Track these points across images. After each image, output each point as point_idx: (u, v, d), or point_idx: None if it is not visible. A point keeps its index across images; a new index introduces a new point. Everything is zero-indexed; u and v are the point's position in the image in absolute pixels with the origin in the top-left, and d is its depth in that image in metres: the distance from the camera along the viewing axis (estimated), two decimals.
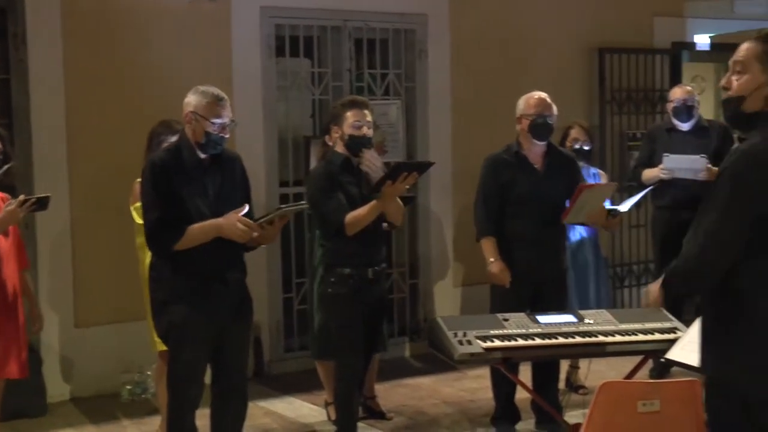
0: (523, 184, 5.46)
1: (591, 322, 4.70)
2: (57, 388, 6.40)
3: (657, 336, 4.55)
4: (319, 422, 6.04)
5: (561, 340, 4.54)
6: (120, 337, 6.46)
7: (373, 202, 5.01)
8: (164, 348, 4.83)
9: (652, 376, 6.34)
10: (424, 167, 5.25)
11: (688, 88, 6.81)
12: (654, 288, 3.33)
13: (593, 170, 6.47)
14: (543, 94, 5.52)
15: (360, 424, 5.51)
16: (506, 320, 4.69)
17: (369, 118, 5.20)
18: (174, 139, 4.89)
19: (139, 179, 5.25)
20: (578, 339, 4.55)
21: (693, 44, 9.00)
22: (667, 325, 4.69)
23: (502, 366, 4.77)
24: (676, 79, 8.56)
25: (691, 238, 3.01)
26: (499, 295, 5.47)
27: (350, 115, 5.15)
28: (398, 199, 5.12)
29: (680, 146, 6.46)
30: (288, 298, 7.21)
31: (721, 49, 8.83)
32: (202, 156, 4.40)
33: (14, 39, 6.29)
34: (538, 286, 5.45)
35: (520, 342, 4.51)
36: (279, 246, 7.07)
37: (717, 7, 8.99)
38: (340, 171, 5.16)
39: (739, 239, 2.91)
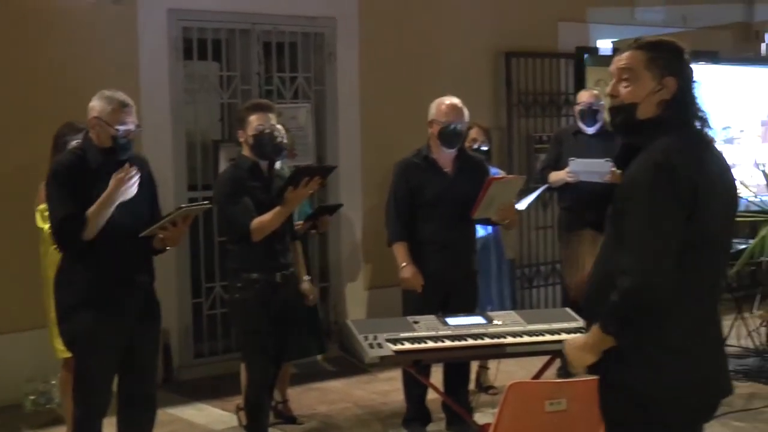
0: (433, 188, 5.50)
1: (499, 323, 4.77)
2: None
3: (564, 336, 4.61)
4: (229, 428, 5.99)
5: (470, 341, 4.60)
6: (22, 345, 6.30)
7: (278, 208, 5.01)
8: (68, 356, 4.77)
9: (559, 375, 6.44)
10: (326, 171, 5.27)
11: (595, 92, 6.94)
12: (574, 345, 3.16)
13: (494, 170, 6.55)
14: (455, 101, 5.57)
15: (271, 429, 5.50)
16: (416, 323, 4.73)
17: (273, 120, 5.21)
18: (79, 138, 4.81)
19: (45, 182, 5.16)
20: (487, 340, 4.62)
21: (596, 49, 9.18)
22: (573, 325, 4.78)
23: (413, 368, 4.81)
24: (580, 83, 8.70)
25: (621, 264, 2.95)
26: (410, 298, 5.51)
27: (254, 119, 5.15)
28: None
29: (586, 149, 6.59)
30: (197, 303, 7.14)
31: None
32: (108, 159, 4.34)
33: None
34: (448, 289, 5.50)
35: (430, 344, 4.56)
36: (188, 250, 7.01)
37: (618, 14, 9.20)
38: (247, 176, 5.15)
39: (676, 242, 2.91)
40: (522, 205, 6.61)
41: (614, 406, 3.10)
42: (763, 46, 9.91)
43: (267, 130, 5.14)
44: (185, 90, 7.11)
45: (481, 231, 6.32)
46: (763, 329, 7.21)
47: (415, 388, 5.57)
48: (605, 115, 6.97)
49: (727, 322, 5.81)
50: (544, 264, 8.67)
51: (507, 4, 8.42)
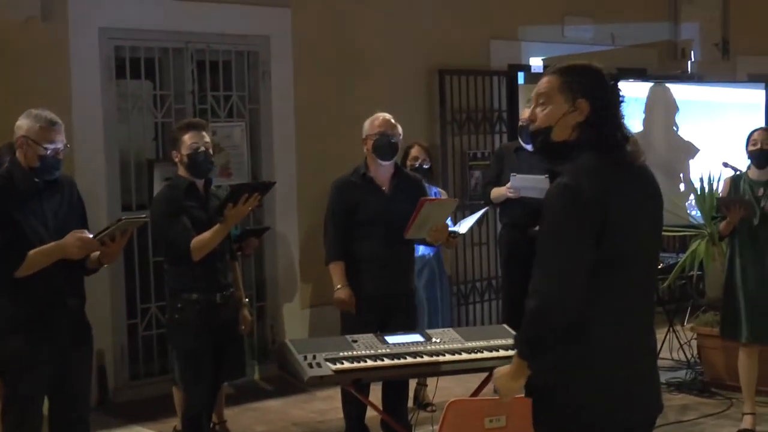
0: (370, 206, 5.51)
1: (438, 341, 4.78)
2: None
3: (502, 353, 4.66)
4: None
5: (409, 359, 4.60)
6: None
7: (217, 226, 4.98)
8: None
9: (497, 392, 6.48)
10: (266, 188, 5.25)
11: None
12: (501, 373, 3.18)
13: (434, 189, 6.60)
14: (387, 115, 5.61)
15: None
16: (355, 341, 4.72)
17: (207, 139, 5.19)
18: None
19: None
20: (426, 358, 4.62)
21: (528, 66, 9.31)
22: (511, 341, 4.81)
23: (352, 387, 4.81)
24: (513, 100, 8.83)
25: (531, 286, 3.00)
26: (348, 318, 5.50)
27: (187, 138, 5.12)
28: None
29: (527, 165, 6.64)
30: (132, 323, 7.06)
31: None
32: (36, 180, 4.29)
33: None
34: (387, 307, 5.50)
35: (370, 363, 4.54)
36: (122, 270, 6.92)
37: (548, 32, 9.32)
38: (184, 195, 5.12)
39: (585, 263, 2.95)
40: (463, 227, 6.66)
41: (543, 424, 3.14)
42: (689, 63, 10.12)
43: (201, 149, 5.11)
44: (118, 109, 7.04)
45: (421, 249, 6.36)
46: (694, 342, 7.34)
47: (353, 406, 5.56)
48: None
49: (659, 335, 5.90)
50: (480, 280, 8.73)
51: (440, 22, 8.49)
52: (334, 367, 4.45)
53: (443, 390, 5.65)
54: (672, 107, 8.90)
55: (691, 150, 8.56)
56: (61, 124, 4.34)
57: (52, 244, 4.22)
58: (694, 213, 7.59)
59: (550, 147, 3.13)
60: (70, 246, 4.20)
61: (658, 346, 3.51)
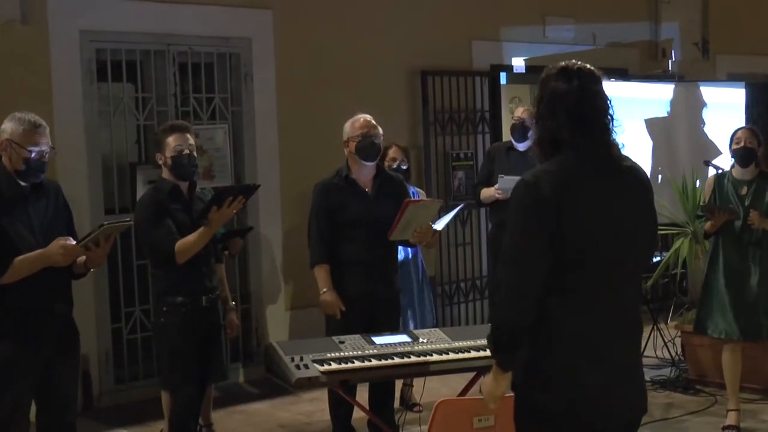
0: (353, 208, 5.50)
1: (425, 341, 4.78)
2: None
3: (488, 353, 4.65)
4: None
5: (397, 360, 4.59)
6: None
7: (202, 229, 4.98)
8: None
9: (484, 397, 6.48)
10: (250, 191, 5.24)
11: (528, 108, 7.05)
12: (487, 380, 3.27)
13: (412, 189, 6.59)
14: (368, 117, 5.60)
15: None
16: (342, 342, 4.71)
17: (191, 141, 5.18)
18: None
19: None
20: (414, 359, 4.61)
21: (510, 67, 9.33)
22: None
23: (340, 388, 4.80)
24: (495, 101, 8.85)
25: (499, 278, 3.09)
26: (333, 320, 5.49)
27: (172, 140, 5.11)
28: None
29: (517, 165, 6.66)
30: (117, 327, 7.02)
31: (536, 71, 9.16)
32: (23, 184, 4.26)
33: None
34: (371, 309, 5.50)
35: (357, 364, 4.53)
36: (106, 274, 6.89)
37: (530, 32, 9.35)
38: (168, 198, 5.10)
39: (537, 265, 3.00)
40: (439, 225, 6.65)
41: (520, 422, 3.19)
42: (669, 63, 10.17)
43: (186, 151, 5.10)
44: (100, 112, 7.01)
45: (401, 252, 6.34)
46: (678, 339, 7.37)
47: (340, 407, 5.56)
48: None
49: (643, 333, 5.92)
50: (464, 281, 8.74)
51: (422, 23, 8.50)
52: (321, 368, 4.43)
53: (430, 390, 5.65)
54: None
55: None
56: (45, 126, 4.32)
57: (37, 252, 4.19)
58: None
59: (539, 147, 3.21)
60: (54, 254, 4.18)
61: (642, 345, 3.53)
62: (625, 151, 3.21)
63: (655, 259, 7.35)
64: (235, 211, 5.00)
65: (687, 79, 9.75)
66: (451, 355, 4.67)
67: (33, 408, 4.42)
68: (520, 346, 3.04)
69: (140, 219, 5.13)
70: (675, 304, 8.15)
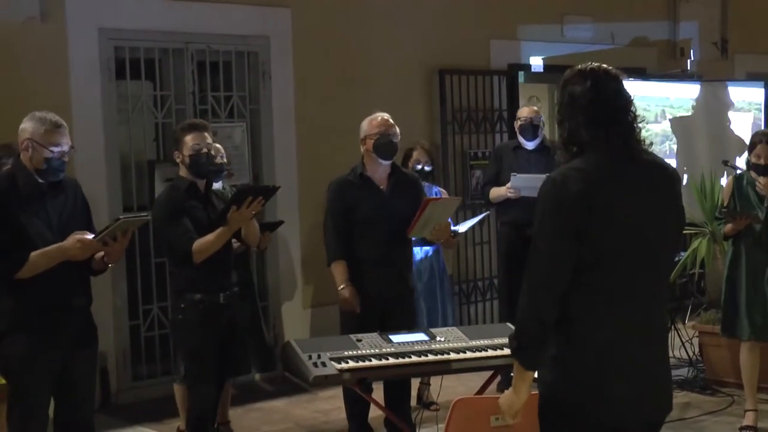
0: (369, 205, 5.50)
1: (442, 339, 4.77)
2: None
3: (506, 351, 4.64)
4: None
5: (414, 358, 4.59)
6: None
7: (221, 229, 4.98)
8: None
9: (501, 391, 6.47)
10: (270, 192, 5.23)
11: (535, 107, 7.04)
12: (508, 394, 3.24)
13: (436, 189, 6.60)
14: (385, 115, 5.60)
15: None
16: (359, 341, 4.71)
17: (209, 139, 5.18)
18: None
19: None
20: (431, 357, 4.61)
21: (528, 66, 9.31)
22: None
23: (357, 386, 4.80)
24: (513, 100, 8.83)
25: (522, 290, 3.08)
26: (348, 317, 5.49)
27: (189, 139, 5.12)
28: (255, 221, 5.11)
29: (525, 165, 6.65)
30: (135, 324, 7.05)
31: (554, 70, 9.17)
32: (41, 181, 4.28)
33: None
34: (387, 307, 5.50)
35: (374, 362, 4.53)
36: (124, 271, 6.92)
37: (548, 31, 9.33)
38: (185, 196, 5.12)
39: (563, 266, 3.00)
40: (462, 227, 6.66)
41: (545, 421, 3.19)
42: (688, 62, 10.13)
43: (204, 150, 5.11)
44: (118, 110, 7.03)
45: (420, 250, 6.34)
46: (696, 340, 7.34)
47: (357, 406, 5.56)
48: (545, 131, 7.09)
49: None
50: (482, 279, 8.73)
51: (440, 22, 8.49)
52: (339, 366, 4.43)
53: (446, 389, 5.64)
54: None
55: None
56: (65, 126, 4.34)
57: (54, 246, 4.21)
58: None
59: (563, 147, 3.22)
60: (71, 248, 4.20)
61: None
62: (651, 149, 3.20)
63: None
64: (254, 212, 5.01)
65: (706, 78, 9.70)
66: (469, 354, 4.67)
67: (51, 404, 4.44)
68: (543, 344, 3.04)
69: (158, 217, 5.14)
70: (693, 304, 8.11)
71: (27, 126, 4.30)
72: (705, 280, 9.02)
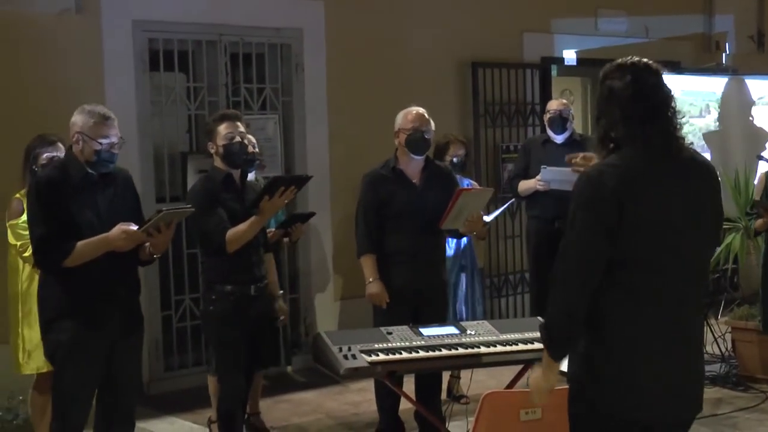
0: (401, 199, 5.50)
1: (473, 333, 4.77)
2: None
3: (537, 345, 4.62)
4: None
5: (444, 352, 4.58)
6: None
7: (253, 218, 5.00)
8: (34, 372, 4.82)
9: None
10: (302, 181, 5.25)
11: (564, 101, 7.03)
12: (535, 374, 3.25)
13: (467, 181, 6.59)
14: (421, 110, 5.59)
15: None
16: (390, 333, 4.71)
17: (242, 129, 5.20)
18: (50, 151, 5.07)
19: (17, 195, 5.14)
20: (461, 350, 4.60)
21: (561, 59, 9.27)
22: None
23: (387, 379, 4.80)
24: (546, 93, 8.80)
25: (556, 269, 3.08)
26: (380, 310, 5.50)
27: (222, 129, 5.14)
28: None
29: (554, 158, 6.62)
30: (167, 315, 7.09)
31: (587, 63, 9.14)
32: (91, 172, 4.33)
33: None
34: (418, 300, 5.49)
35: (404, 355, 4.53)
36: (156, 262, 6.92)
37: (582, 24, 9.29)
38: (220, 187, 5.14)
39: (595, 262, 2.99)
40: (489, 217, 6.64)
41: (575, 416, 3.18)
42: (723, 56, 10.03)
43: (237, 139, 5.13)
44: (152, 102, 7.08)
45: (451, 244, 6.32)
46: (728, 335, 7.29)
47: (387, 398, 5.57)
48: (575, 124, 7.06)
49: None
50: (513, 273, 8.71)
51: (473, 15, 8.47)
52: (369, 359, 4.44)
53: (477, 382, 5.64)
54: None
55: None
56: (114, 118, 4.39)
57: (100, 236, 4.25)
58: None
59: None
60: (116, 238, 4.24)
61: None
62: (690, 144, 3.16)
63: None
64: (286, 201, 5.03)
65: (741, 72, 9.61)
66: (499, 348, 4.66)
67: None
68: (573, 337, 3.05)
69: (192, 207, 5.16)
70: (726, 300, 8.05)
71: (76, 119, 4.35)
72: (738, 276, 8.94)
